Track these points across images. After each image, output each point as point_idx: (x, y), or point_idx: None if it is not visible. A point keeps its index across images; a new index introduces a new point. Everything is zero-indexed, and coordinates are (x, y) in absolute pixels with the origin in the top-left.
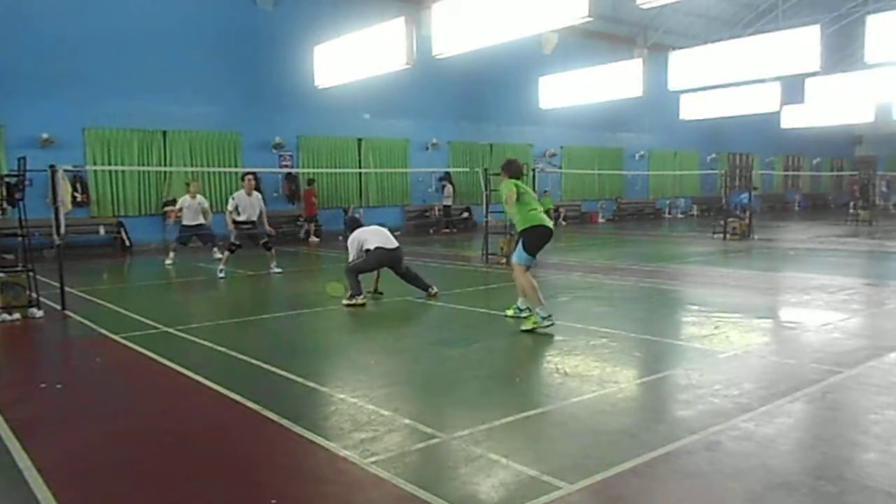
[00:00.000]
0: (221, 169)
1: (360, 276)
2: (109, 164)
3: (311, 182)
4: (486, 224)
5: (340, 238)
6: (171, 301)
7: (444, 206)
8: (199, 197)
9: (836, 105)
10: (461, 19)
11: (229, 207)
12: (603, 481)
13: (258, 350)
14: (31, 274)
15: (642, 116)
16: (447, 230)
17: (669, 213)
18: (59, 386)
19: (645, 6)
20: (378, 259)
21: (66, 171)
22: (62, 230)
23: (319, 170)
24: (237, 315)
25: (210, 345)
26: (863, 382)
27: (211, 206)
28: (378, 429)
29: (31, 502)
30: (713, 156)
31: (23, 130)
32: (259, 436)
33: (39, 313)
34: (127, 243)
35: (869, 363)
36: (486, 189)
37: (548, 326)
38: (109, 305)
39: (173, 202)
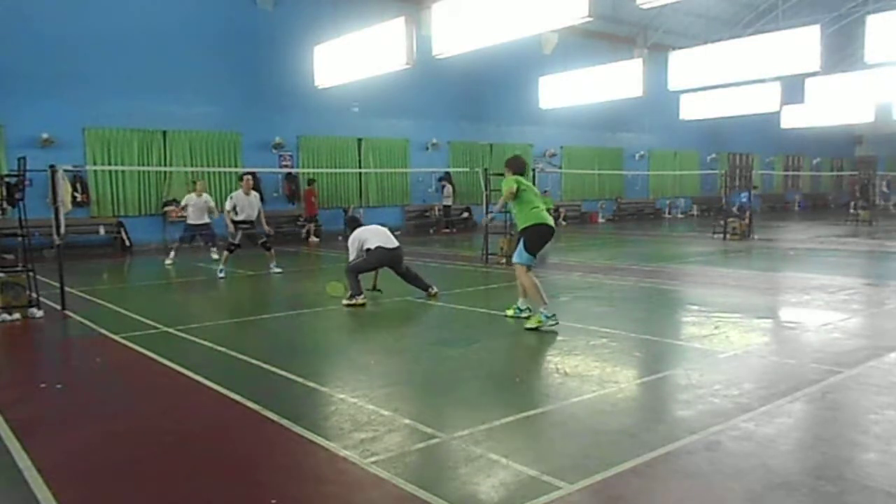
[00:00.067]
0: (221, 169)
1: (360, 276)
2: (109, 164)
3: (311, 182)
4: (485, 223)
5: (340, 238)
6: (171, 301)
7: (444, 206)
8: (204, 195)
9: (836, 105)
10: (461, 19)
11: (227, 207)
12: (603, 481)
13: (258, 350)
14: (31, 274)
15: (642, 116)
16: (447, 230)
17: (669, 213)
18: (59, 386)
19: (645, 6)
20: (379, 258)
21: (66, 171)
22: (62, 230)
23: (319, 170)
24: (237, 315)
25: (210, 345)
26: (863, 382)
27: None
28: (378, 429)
29: (31, 502)
30: (713, 156)
31: (23, 130)
32: (259, 436)
33: (39, 313)
34: (127, 243)
35: (869, 363)
36: (486, 189)
37: (552, 325)
38: (109, 305)
39: (173, 202)
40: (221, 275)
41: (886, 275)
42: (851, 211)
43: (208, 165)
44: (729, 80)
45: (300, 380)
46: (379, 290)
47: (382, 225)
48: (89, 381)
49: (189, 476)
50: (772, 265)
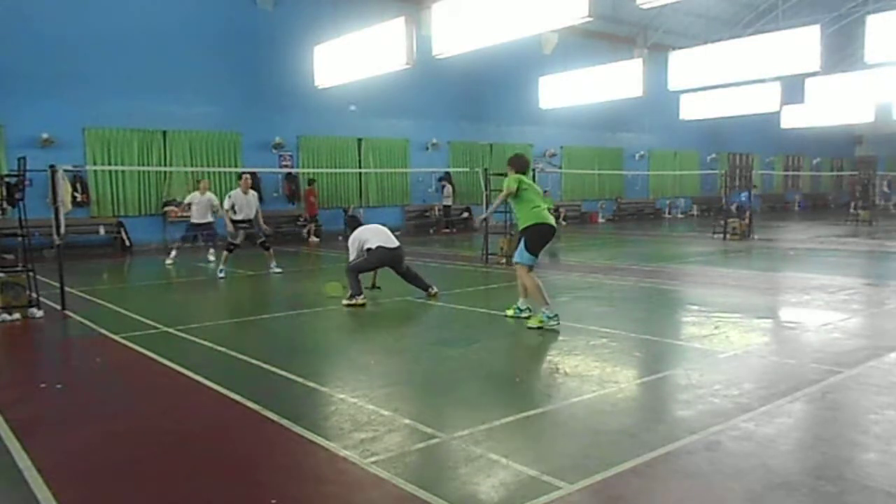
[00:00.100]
0: (221, 169)
1: (360, 275)
2: (109, 164)
3: (311, 182)
4: (485, 223)
5: (340, 238)
6: (171, 301)
7: (444, 206)
8: (208, 194)
9: (836, 105)
10: (461, 19)
11: (226, 206)
12: (603, 481)
13: (258, 350)
14: (31, 274)
15: (642, 116)
16: (447, 230)
17: (669, 213)
18: (59, 386)
19: (645, 6)
20: (379, 258)
21: (66, 171)
22: (62, 230)
23: (319, 170)
24: (237, 315)
25: (210, 345)
26: (863, 382)
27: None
28: (378, 429)
29: (31, 502)
30: (713, 156)
31: (23, 130)
32: (259, 436)
33: (39, 313)
34: (127, 243)
35: (869, 363)
36: (486, 189)
37: (554, 325)
38: (109, 305)
39: (173, 202)
40: (221, 275)
41: (886, 275)
42: (851, 211)
43: (208, 165)
44: (729, 80)
45: (300, 380)
46: (378, 288)
47: (382, 225)
48: (89, 381)
49: (189, 476)
50: (772, 265)
